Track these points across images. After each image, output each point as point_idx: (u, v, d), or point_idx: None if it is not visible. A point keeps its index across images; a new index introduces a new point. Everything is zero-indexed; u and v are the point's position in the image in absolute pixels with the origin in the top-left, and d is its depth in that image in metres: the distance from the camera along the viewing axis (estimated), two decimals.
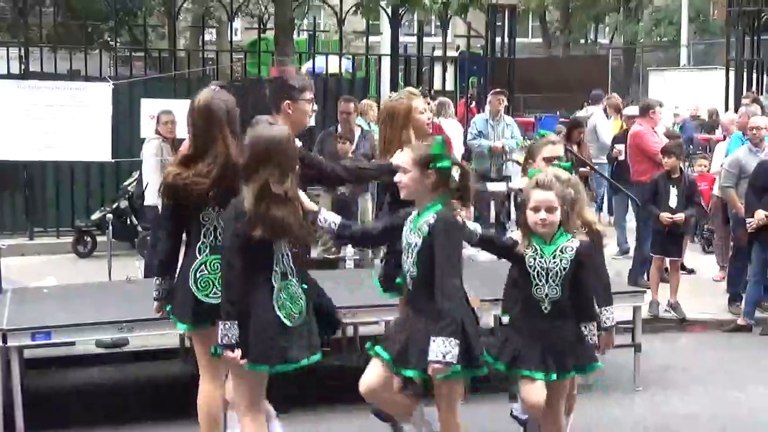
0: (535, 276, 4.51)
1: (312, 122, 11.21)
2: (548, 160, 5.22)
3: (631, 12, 38.64)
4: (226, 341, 4.16)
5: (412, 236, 4.37)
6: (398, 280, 5.08)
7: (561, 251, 4.49)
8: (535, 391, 4.47)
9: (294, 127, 5.19)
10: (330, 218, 4.52)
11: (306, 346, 4.31)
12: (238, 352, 4.16)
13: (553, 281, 4.48)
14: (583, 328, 4.56)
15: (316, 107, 5.54)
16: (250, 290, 4.21)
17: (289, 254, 4.31)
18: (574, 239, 4.50)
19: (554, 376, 4.48)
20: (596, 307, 4.83)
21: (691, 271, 10.27)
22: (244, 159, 4.26)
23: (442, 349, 4.11)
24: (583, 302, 4.57)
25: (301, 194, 4.42)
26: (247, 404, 4.33)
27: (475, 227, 4.64)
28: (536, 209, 4.47)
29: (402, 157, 4.49)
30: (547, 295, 4.50)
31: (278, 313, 4.21)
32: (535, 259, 4.51)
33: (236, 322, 4.16)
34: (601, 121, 12.34)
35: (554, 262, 4.48)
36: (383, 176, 5.23)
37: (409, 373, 4.34)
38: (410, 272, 4.40)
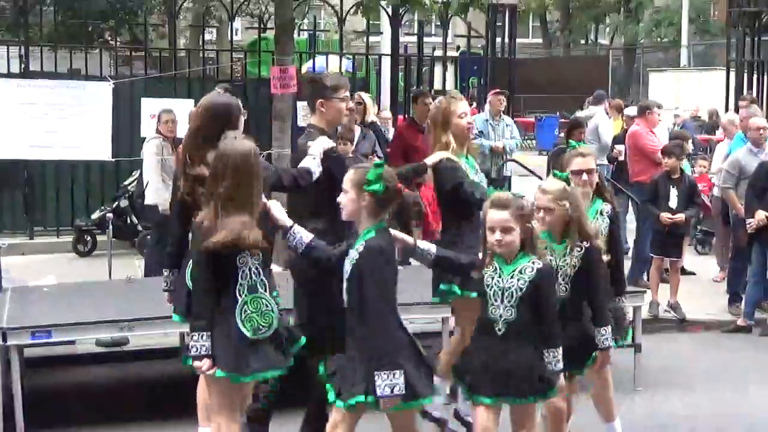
0: (491, 295, 4.33)
1: None
2: (577, 173, 5.10)
3: (632, 12, 38.68)
4: (194, 352, 4.27)
5: (347, 262, 4.29)
6: (442, 286, 5.15)
7: (520, 272, 4.29)
8: (481, 417, 4.31)
9: (329, 125, 5.26)
10: (299, 236, 4.42)
11: (272, 358, 4.37)
12: (205, 362, 4.25)
13: (509, 302, 4.29)
14: (546, 355, 4.32)
15: (352, 104, 5.57)
16: (216, 303, 4.31)
17: (260, 269, 4.34)
18: (537, 261, 4.31)
19: (508, 401, 4.30)
20: (591, 324, 4.72)
21: (691, 274, 10.27)
22: (209, 174, 4.35)
23: (388, 382, 4.06)
24: (543, 327, 4.32)
25: (278, 206, 4.42)
26: (218, 408, 4.41)
27: (429, 248, 4.49)
28: (492, 230, 4.30)
29: (345, 178, 4.41)
30: (501, 316, 4.30)
31: (241, 327, 4.28)
32: (492, 278, 4.33)
33: (205, 333, 4.25)
34: (603, 122, 12.33)
35: (511, 282, 4.29)
36: (415, 177, 5.40)
37: (330, 392, 4.30)
38: (344, 298, 4.32)
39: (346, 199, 4.31)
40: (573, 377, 4.99)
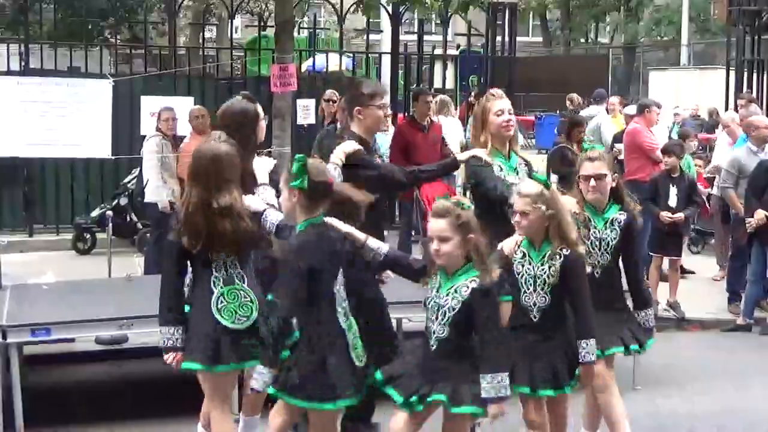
0: (429, 309, 4.16)
1: (312, 120, 11.29)
2: (585, 179, 4.89)
3: (632, 11, 38.64)
4: (162, 344, 4.39)
5: None
6: None
7: (455, 290, 4.07)
8: (394, 420, 4.18)
9: (368, 132, 5.28)
10: (271, 218, 4.47)
11: (251, 350, 4.38)
12: (171, 356, 4.36)
13: (442, 320, 4.08)
14: (482, 379, 4.00)
15: (390, 111, 5.57)
16: (191, 296, 4.40)
17: (236, 263, 4.38)
18: (476, 279, 4.04)
19: (419, 407, 4.08)
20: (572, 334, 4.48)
21: (690, 272, 10.27)
22: (189, 170, 4.43)
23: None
24: (482, 350, 4.04)
25: (252, 198, 4.49)
26: (211, 399, 4.51)
27: (379, 247, 4.38)
28: (431, 239, 4.10)
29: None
30: (434, 332, 4.11)
31: (217, 316, 4.32)
32: (431, 292, 4.16)
33: (174, 327, 4.35)
34: (604, 121, 12.33)
35: (445, 300, 4.08)
36: (446, 174, 5.32)
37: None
38: None
39: (282, 198, 4.38)
40: (562, 395, 4.62)
